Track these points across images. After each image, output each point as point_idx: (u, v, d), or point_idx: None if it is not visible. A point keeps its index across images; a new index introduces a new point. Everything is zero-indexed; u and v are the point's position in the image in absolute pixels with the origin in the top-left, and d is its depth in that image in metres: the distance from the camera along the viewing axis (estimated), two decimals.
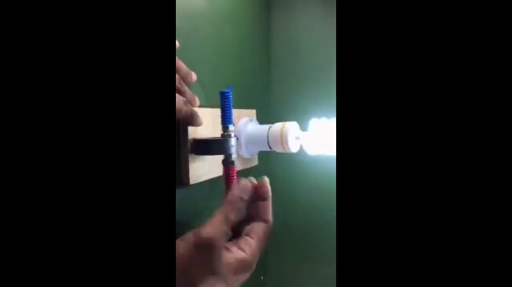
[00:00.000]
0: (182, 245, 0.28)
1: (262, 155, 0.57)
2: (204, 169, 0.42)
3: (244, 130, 0.50)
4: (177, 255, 0.27)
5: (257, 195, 0.33)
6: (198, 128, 0.40)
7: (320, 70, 0.67)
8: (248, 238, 0.30)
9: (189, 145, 0.40)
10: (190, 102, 0.38)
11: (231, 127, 0.38)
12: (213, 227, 0.28)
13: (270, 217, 0.32)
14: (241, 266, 0.28)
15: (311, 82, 0.68)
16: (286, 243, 0.69)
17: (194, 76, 0.40)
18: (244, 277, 0.29)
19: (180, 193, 0.38)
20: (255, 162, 0.56)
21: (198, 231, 0.28)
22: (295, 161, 0.63)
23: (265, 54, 0.69)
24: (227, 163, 0.38)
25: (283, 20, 0.70)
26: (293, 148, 0.47)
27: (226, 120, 0.38)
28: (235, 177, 0.37)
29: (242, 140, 0.49)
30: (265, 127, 0.49)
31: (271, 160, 0.69)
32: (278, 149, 0.48)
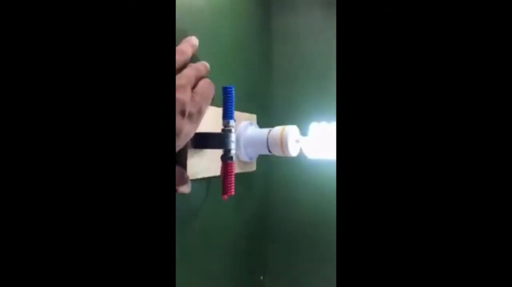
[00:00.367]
0: None
1: (262, 158, 0.57)
2: (201, 166, 0.41)
3: (244, 134, 0.50)
4: None
5: None
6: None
7: (321, 73, 0.67)
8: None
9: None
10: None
11: (232, 122, 0.38)
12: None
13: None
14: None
15: (312, 85, 0.68)
16: (286, 243, 0.70)
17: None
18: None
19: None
20: (253, 167, 0.56)
21: None
22: (295, 163, 0.63)
23: (266, 58, 0.69)
24: (226, 158, 0.37)
25: (283, 21, 0.71)
26: (293, 151, 0.47)
27: (227, 115, 0.38)
28: (233, 173, 0.37)
29: (242, 143, 0.49)
30: (265, 131, 0.49)
31: (271, 163, 0.69)
32: (277, 153, 0.48)
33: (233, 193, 0.38)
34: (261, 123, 0.56)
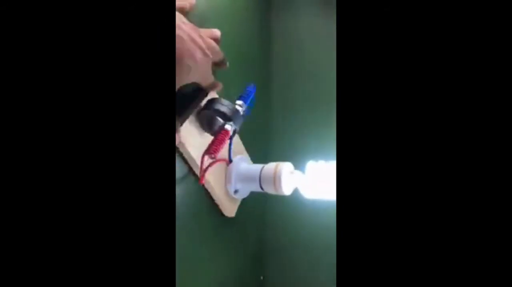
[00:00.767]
0: None
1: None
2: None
3: (236, 169, 0.46)
4: None
5: None
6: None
7: (320, 107, 0.66)
8: None
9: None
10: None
11: (241, 103, 0.42)
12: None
13: None
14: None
15: (310, 120, 0.67)
16: (286, 243, 0.69)
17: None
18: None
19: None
20: (232, 211, 0.52)
21: None
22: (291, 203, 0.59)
23: (265, 89, 0.68)
24: (224, 128, 0.39)
25: (284, 43, 0.70)
26: (286, 189, 0.44)
27: (244, 99, 0.43)
28: (225, 141, 0.38)
29: (233, 179, 0.46)
30: (258, 166, 0.45)
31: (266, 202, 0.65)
32: (270, 190, 0.44)
33: (216, 156, 0.39)
34: (255, 159, 0.53)
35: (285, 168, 0.44)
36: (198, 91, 0.40)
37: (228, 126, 0.40)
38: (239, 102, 0.43)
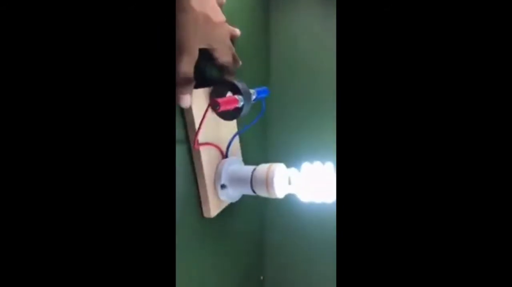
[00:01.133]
0: None
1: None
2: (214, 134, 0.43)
3: (227, 170, 0.45)
4: None
5: None
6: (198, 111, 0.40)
7: (316, 107, 0.65)
8: None
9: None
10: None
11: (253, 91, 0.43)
12: None
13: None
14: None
15: (306, 121, 0.65)
16: (286, 243, 0.69)
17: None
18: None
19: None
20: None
21: None
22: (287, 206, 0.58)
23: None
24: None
25: (283, 48, 0.69)
26: (280, 192, 0.42)
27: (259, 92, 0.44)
28: (232, 103, 0.38)
29: (222, 176, 0.44)
30: (249, 168, 0.44)
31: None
32: (262, 193, 0.42)
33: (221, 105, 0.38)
34: (249, 160, 0.51)
35: (278, 169, 0.42)
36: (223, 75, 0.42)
37: (238, 97, 0.39)
38: (251, 90, 0.44)
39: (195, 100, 0.39)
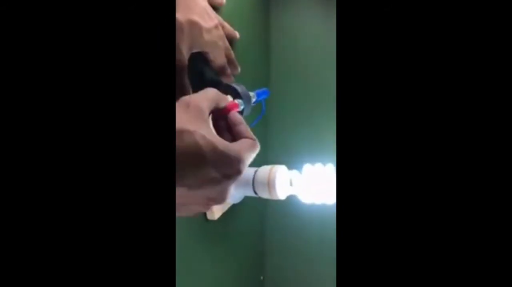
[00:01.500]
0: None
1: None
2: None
3: None
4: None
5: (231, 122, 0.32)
6: None
7: (318, 107, 0.65)
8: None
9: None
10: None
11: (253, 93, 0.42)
12: (201, 96, 0.29)
13: (252, 135, 0.30)
14: (225, 152, 0.26)
15: (307, 122, 0.65)
16: (286, 243, 0.69)
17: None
18: (226, 172, 0.26)
19: None
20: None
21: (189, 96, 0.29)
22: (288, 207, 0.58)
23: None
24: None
25: (283, 49, 0.69)
26: (281, 194, 0.42)
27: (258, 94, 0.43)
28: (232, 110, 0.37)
29: None
30: (251, 170, 0.44)
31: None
32: (264, 195, 0.43)
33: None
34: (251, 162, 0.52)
35: (280, 171, 0.42)
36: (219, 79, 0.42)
37: (238, 101, 0.39)
38: (251, 93, 0.43)
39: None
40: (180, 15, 0.34)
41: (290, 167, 0.45)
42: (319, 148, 0.63)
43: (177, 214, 0.27)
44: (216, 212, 0.44)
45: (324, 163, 0.44)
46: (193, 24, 0.36)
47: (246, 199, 0.50)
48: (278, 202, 0.52)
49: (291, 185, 0.44)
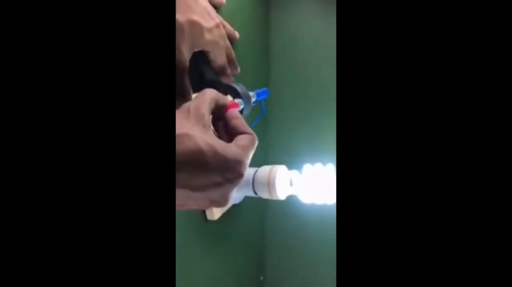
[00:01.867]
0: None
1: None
2: None
3: None
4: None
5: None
6: None
7: (317, 107, 0.64)
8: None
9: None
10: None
11: (253, 93, 0.42)
12: (200, 100, 0.29)
13: (248, 129, 0.31)
14: (223, 156, 0.26)
15: (307, 122, 0.65)
16: (286, 243, 0.69)
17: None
18: (225, 172, 0.26)
19: None
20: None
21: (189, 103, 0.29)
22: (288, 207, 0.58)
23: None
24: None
25: (283, 54, 0.69)
26: (281, 194, 0.42)
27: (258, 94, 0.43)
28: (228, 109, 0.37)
29: None
30: (251, 170, 0.44)
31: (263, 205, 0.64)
32: (264, 195, 0.43)
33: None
34: (251, 162, 0.52)
35: (280, 171, 0.42)
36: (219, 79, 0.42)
37: (238, 101, 0.39)
38: (251, 92, 0.44)
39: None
40: (180, 16, 0.34)
41: (290, 167, 0.45)
42: (319, 147, 0.63)
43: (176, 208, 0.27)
44: (216, 212, 0.44)
45: (324, 163, 0.44)
46: (194, 24, 0.36)
47: (246, 199, 0.50)
48: (278, 202, 0.52)
49: (291, 185, 0.44)
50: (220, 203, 0.27)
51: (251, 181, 0.43)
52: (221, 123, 0.31)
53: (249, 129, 0.30)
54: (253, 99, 0.43)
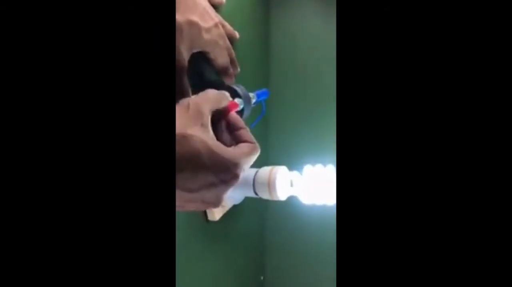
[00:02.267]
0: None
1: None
2: None
3: None
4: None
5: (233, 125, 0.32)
6: None
7: (318, 108, 0.64)
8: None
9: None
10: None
11: (253, 94, 0.42)
12: (201, 98, 0.29)
13: (252, 138, 0.31)
14: (224, 157, 0.26)
15: (307, 124, 0.65)
16: (286, 243, 0.69)
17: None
18: (222, 172, 0.26)
19: None
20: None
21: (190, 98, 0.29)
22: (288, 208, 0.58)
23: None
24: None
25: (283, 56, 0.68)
26: (282, 195, 0.42)
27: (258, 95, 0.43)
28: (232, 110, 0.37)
29: None
30: (251, 171, 0.44)
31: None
32: (265, 195, 0.43)
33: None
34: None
35: (280, 172, 0.42)
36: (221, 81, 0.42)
37: (237, 100, 0.39)
38: (251, 93, 0.44)
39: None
40: (179, 16, 0.34)
41: (290, 168, 0.45)
42: (320, 148, 0.63)
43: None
44: (216, 212, 0.44)
45: (324, 164, 0.44)
46: (192, 25, 0.36)
47: (246, 200, 0.50)
48: (279, 203, 0.52)
49: (291, 185, 0.44)
50: (213, 204, 0.27)
51: (251, 182, 0.43)
52: (222, 124, 0.31)
53: (253, 140, 0.30)
54: (253, 101, 0.43)
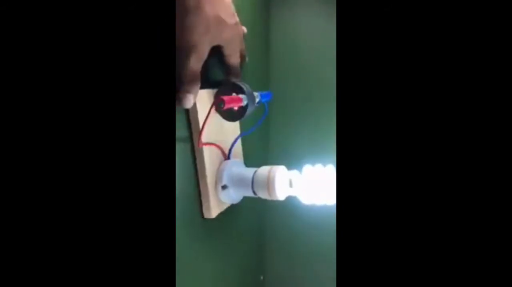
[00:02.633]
0: None
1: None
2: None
3: (228, 173, 0.45)
4: None
5: None
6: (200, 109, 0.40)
7: (318, 109, 0.65)
8: None
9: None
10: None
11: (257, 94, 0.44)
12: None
13: None
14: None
15: (307, 123, 0.65)
16: (286, 243, 0.70)
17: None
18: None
19: None
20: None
21: None
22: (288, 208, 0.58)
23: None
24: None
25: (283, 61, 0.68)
26: (281, 194, 0.42)
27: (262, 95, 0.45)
28: (236, 102, 0.38)
29: (224, 177, 0.44)
30: (250, 170, 0.44)
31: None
32: (263, 195, 0.43)
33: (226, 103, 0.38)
34: (251, 163, 0.52)
35: (279, 172, 0.42)
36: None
37: (241, 96, 0.40)
38: (255, 93, 0.44)
39: (200, 101, 0.39)
40: (209, 9, 0.35)
41: (290, 168, 0.45)
42: (319, 148, 0.63)
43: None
44: (213, 209, 0.43)
45: (324, 164, 0.44)
46: (219, 20, 0.37)
47: (245, 200, 0.50)
48: (278, 203, 0.52)
49: (290, 185, 0.44)
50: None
51: (250, 181, 0.43)
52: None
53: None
54: (257, 99, 0.43)
